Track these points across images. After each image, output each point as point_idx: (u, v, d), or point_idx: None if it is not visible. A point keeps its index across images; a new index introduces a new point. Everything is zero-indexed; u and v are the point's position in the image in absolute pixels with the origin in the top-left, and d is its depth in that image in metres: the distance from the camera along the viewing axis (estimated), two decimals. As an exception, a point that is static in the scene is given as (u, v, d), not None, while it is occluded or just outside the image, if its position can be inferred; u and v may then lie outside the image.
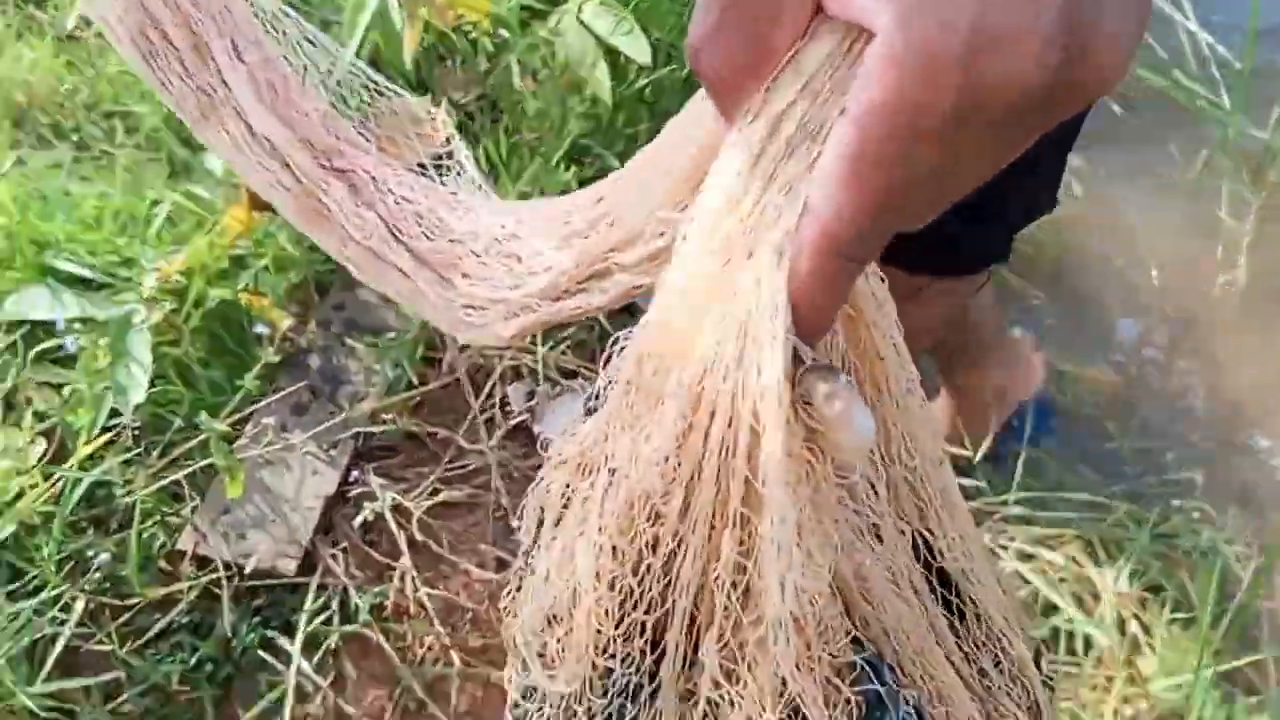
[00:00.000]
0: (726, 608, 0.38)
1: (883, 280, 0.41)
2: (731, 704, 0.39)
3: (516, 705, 0.50)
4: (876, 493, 0.42)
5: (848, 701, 0.38)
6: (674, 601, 0.40)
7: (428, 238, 0.54)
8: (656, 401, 0.38)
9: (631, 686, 0.43)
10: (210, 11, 0.54)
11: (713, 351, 0.35)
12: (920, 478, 0.44)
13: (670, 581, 0.40)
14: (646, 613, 0.41)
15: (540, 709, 0.48)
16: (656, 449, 0.38)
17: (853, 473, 0.35)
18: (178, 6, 0.54)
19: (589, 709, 0.45)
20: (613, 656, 0.43)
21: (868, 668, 0.38)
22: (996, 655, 0.50)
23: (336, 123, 0.57)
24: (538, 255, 0.51)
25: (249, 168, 0.54)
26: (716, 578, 0.38)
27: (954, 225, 0.59)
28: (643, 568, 0.40)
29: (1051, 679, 0.51)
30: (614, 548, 0.41)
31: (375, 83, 0.63)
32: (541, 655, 0.47)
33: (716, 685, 0.39)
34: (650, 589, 0.41)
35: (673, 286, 0.36)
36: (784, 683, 0.37)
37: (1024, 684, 0.49)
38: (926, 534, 0.46)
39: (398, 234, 0.54)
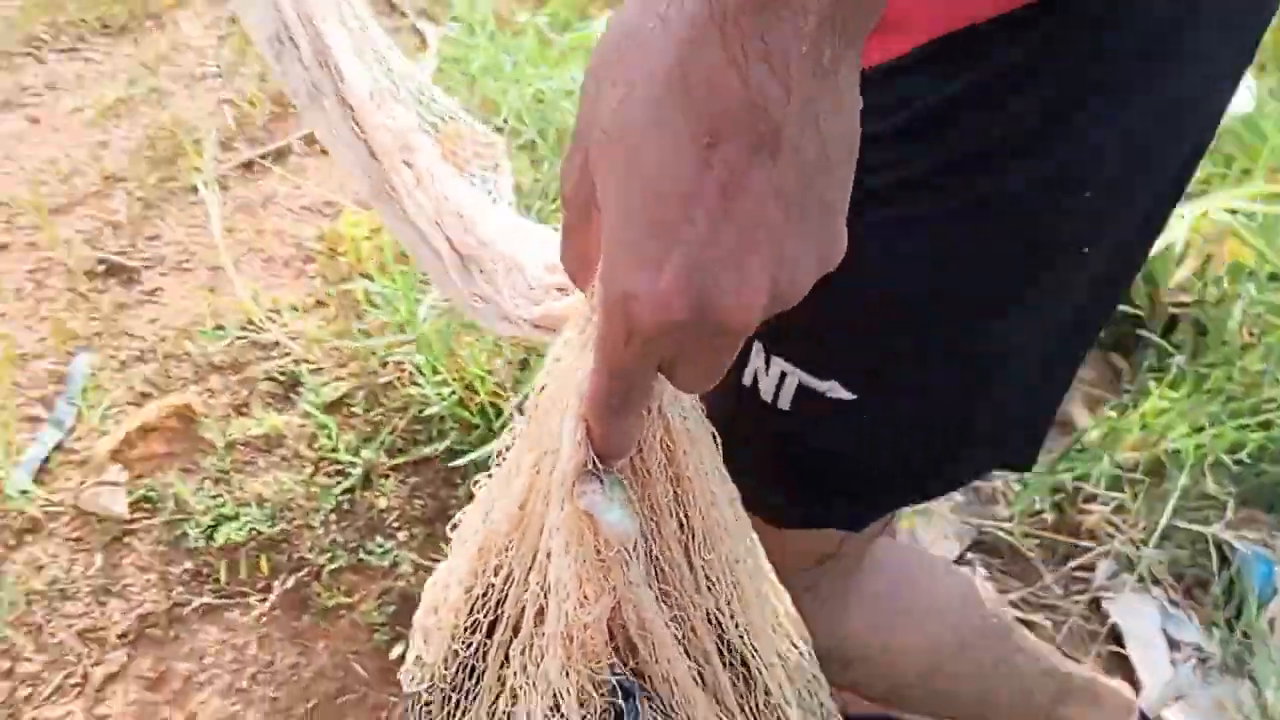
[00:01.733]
0: (531, 621, 0.55)
1: (702, 412, 0.57)
2: (526, 691, 0.56)
3: (409, 672, 0.67)
4: (676, 573, 0.58)
5: (599, 708, 0.54)
6: (503, 611, 0.57)
7: (462, 232, 0.68)
8: (515, 473, 0.55)
9: (470, 667, 0.60)
10: (335, 29, 0.71)
11: (547, 448, 0.52)
12: (717, 573, 0.60)
13: (502, 598, 0.57)
14: (484, 615, 0.58)
15: (421, 676, 0.65)
16: (508, 506, 0.56)
17: (612, 549, 0.51)
18: (310, 20, 0.71)
19: (445, 678, 0.62)
20: (464, 644, 0.60)
21: (619, 688, 0.54)
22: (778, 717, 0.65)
23: (413, 126, 0.72)
24: (536, 279, 0.68)
25: (339, 146, 0.69)
26: (527, 600, 0.55)
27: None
28: (486, 584, 0.57)
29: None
30: (473, 569, 0.59)
31: (446, 107, 0.79)
32: (425, 636, 0.65)
33: (518, 674, 0.56)
34: (489, 599, 0.58)
35: (543, 399, 0.54)
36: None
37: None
38: (718, 614, 0.61)
39: (440, 223, 0.68)
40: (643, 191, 0.37)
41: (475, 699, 0.60)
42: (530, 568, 0.55)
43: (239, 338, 1.60)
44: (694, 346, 0.41)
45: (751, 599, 0.62)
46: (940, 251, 0.60)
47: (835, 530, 0.75)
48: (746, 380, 0.67)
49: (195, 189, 1.84)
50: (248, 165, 1.94)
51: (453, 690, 0.61)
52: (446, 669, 0.61)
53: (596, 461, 0.49)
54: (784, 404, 0.66)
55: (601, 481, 0.48)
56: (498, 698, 0.59)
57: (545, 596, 0.53)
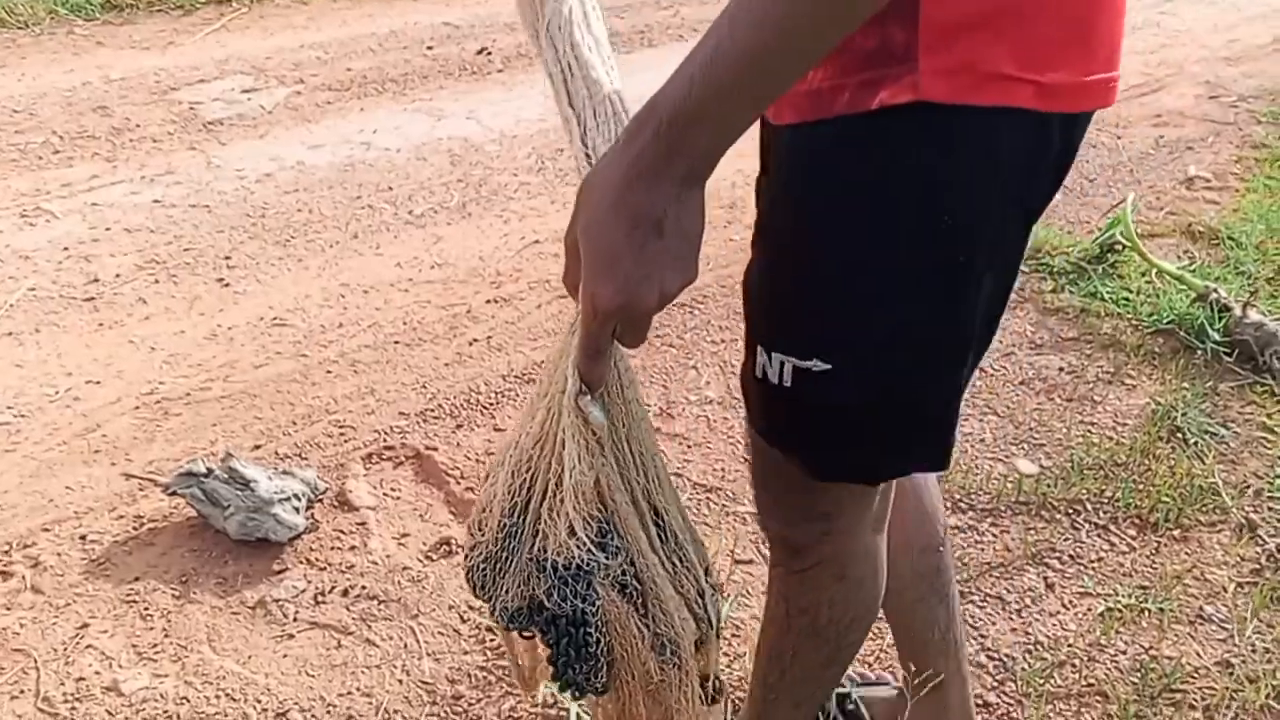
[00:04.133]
0: (553, 488, 0.97)
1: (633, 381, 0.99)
2: (551, 527, 0.97)
3: (469, 543, 1.07)
4: (624, 458, 1.00)
5: (587, 538, 0.95)
6: (532, 491, 0.99)
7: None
8: (534, 411, 0.98)
9: (510, 533, 1.01)
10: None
11: (556, 384, 0.95)
12: (647, 462, 1.01)
13: (531, 482, 0.99)
14: (521, 497, 0.99)
15: (481, 530, 1.05)
16: (534, 428, 0.98)
17: (594, 433, 0.93)
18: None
19: (496, 541, 1.02)
20: (509, 515, 1.01)
21: (603, 522, 0.95)
22: (680, 558, 1.06)
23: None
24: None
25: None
26: (551, 476, 0.97)
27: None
28: (522, 477, 0.99)
29: (713, 582, 1.07)
30: (510, 470, 1.00)
31: None
32: (480, 517, 1.05)
33: (545, 520, 0.97)
34: (524, 484, 0.99)
35: (544, 368, 0.96)
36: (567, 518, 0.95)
37: (695, 578, 1.04)
38: (648, 488, 1.03)
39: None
40: (600, 248, 0.75)
41: (516, 552, 1.01)
42: (550, 458, 0.97)
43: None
44: (626, 322, 0.81)
45: (664, 481, 1.04)
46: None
47: (851, 484, 1.03)
48: (759, 373, 0.96)
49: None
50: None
51: (500, 550, 1.02)
52: (497, 534, 1.02)
53: (584, 387, 0.91)
54: (787, 382, 0.94)
55: (589, 396, 0.91)
56: (531, 546, 0.99)
57: (560, 471, 0.95)
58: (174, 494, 1.97)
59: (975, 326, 0.92)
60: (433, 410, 2.28)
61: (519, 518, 1.01)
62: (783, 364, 0.94)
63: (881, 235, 0.86)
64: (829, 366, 0.91)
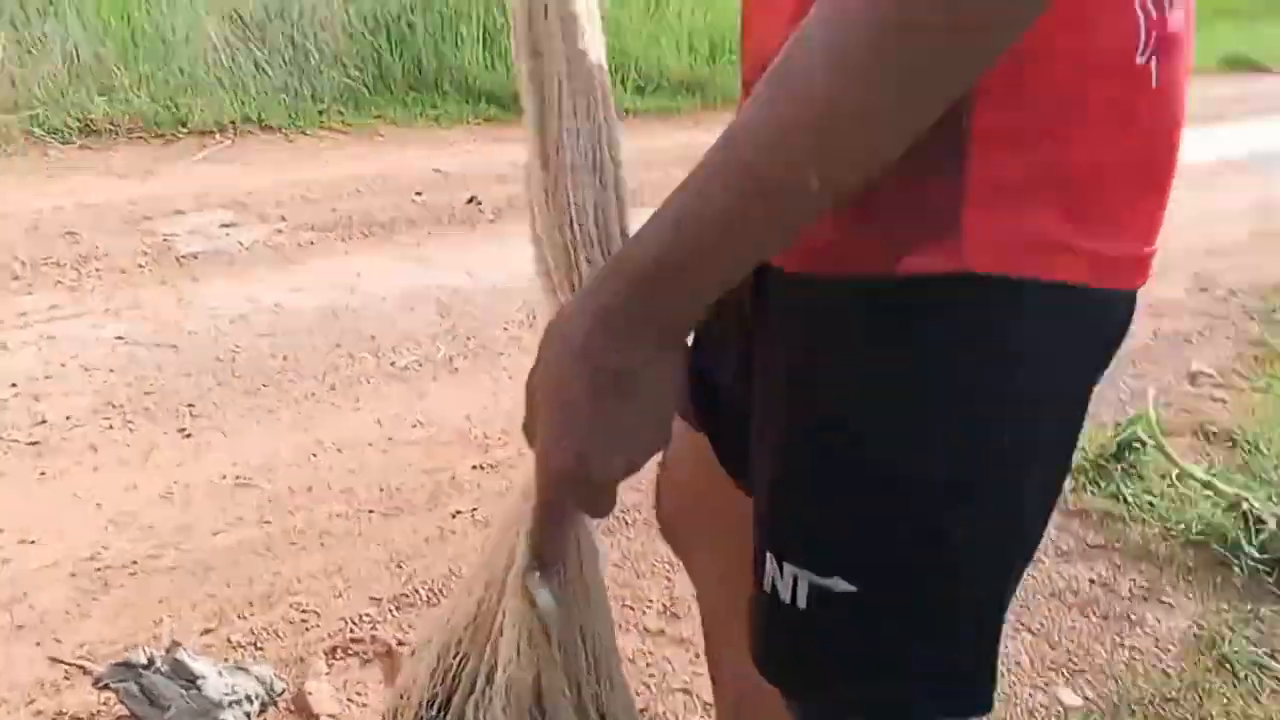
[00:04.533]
0: (484, 681, 0.78)
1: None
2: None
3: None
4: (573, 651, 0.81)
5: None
6: (459, 676, 0.81)
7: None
8: (470, 589, 0.80)
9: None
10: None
11: (501, 556, 0.77)
12: (595, 657, 0.82)
13: (459, 665, 0.80)
14: (444, 680, 0.81)
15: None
16: (468, 607, 0.80)
17: (541, 621, 0.75)
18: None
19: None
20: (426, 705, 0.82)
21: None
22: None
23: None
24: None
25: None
26: (481, 668, 0.79)
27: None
28: (449, 653, 0.82)
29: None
30: (439, 645, 0.82)
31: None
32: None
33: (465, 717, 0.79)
34: (448, 664, 0.81)
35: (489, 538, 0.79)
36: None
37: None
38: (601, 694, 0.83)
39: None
40: (557, 401, 0.65)
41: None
42: (485, 645, 0.80)
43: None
44: (585, 489, 0.67)
45: (620, 690, 0.85)
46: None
47: None
48: (767, 587, 0.78)
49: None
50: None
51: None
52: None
53: (535, 562, 0.75)
54: (801, 603, 0.76)
55: (538, 574, 0.74)
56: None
57: (494, 663, 0.78)
58: (105, 687, 1.71)
59: (1032, 530, 0.77)
60: (407, 595, 2.04)
61: (439, 714, 0.83)
62: (796, 579, 0.76)
63: (918, 431, 0.71)
64: (853, 588, 0.73)
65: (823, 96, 0.54)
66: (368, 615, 1.98)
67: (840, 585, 0.74)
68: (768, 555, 0.78)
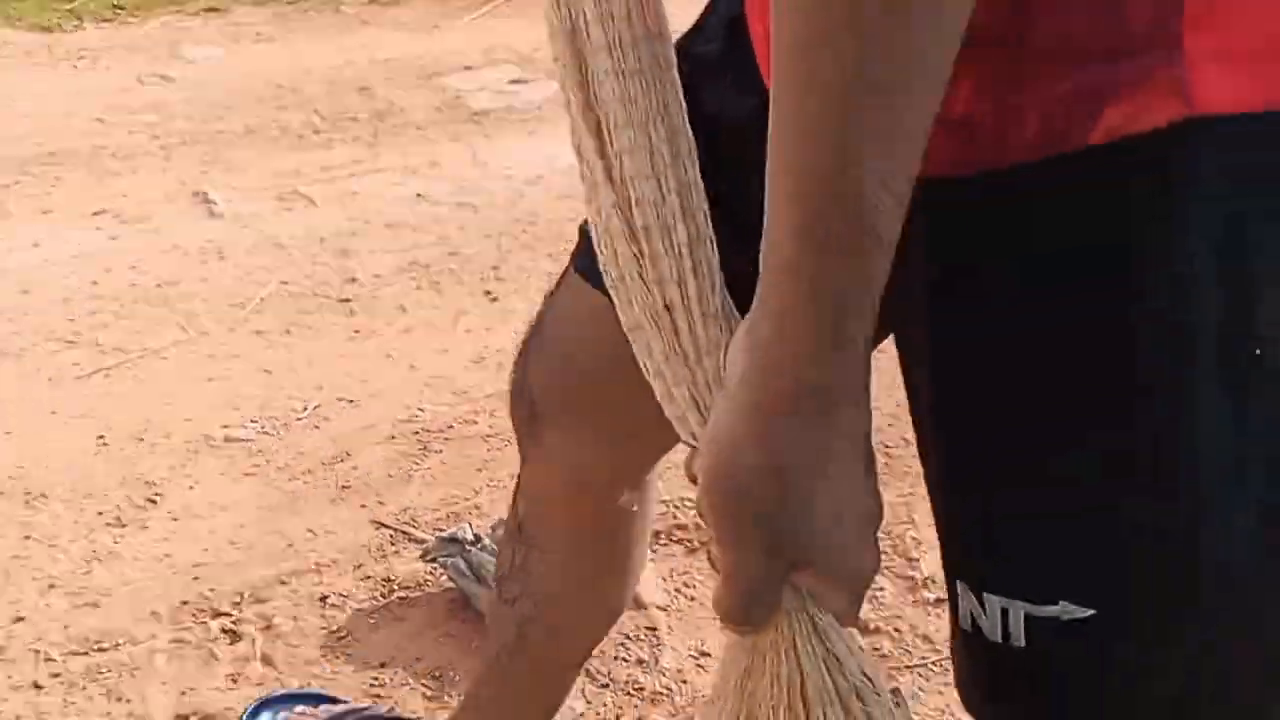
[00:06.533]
0: None
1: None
2: None
3: None
4: None
5: None
6: None
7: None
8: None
9: None
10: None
11: None
12: None
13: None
14: None
15: None
16: None
17: None
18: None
19: None
20: None
21: None
22: None
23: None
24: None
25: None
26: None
27: None
28: None
29: None
30: None
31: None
32: None
33: None
34: None
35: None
36: None
37: None
38: None
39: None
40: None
41: None
42: None
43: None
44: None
45: None
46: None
47: None
48: (965, 625, 0.61)
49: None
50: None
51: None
52: None
53: None
54: (1018, 640, 0.59)
55: None
56: None
57: None
58: (433, 560, 1.64)
59: None
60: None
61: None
62: (1005, 612, 0.58)
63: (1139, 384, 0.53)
64: (1091, 611, 0.56)
65: None
66: (688, 500, 1.82)
67: (1070, 611, 0.56)
68: (957, 582, 0.61)
